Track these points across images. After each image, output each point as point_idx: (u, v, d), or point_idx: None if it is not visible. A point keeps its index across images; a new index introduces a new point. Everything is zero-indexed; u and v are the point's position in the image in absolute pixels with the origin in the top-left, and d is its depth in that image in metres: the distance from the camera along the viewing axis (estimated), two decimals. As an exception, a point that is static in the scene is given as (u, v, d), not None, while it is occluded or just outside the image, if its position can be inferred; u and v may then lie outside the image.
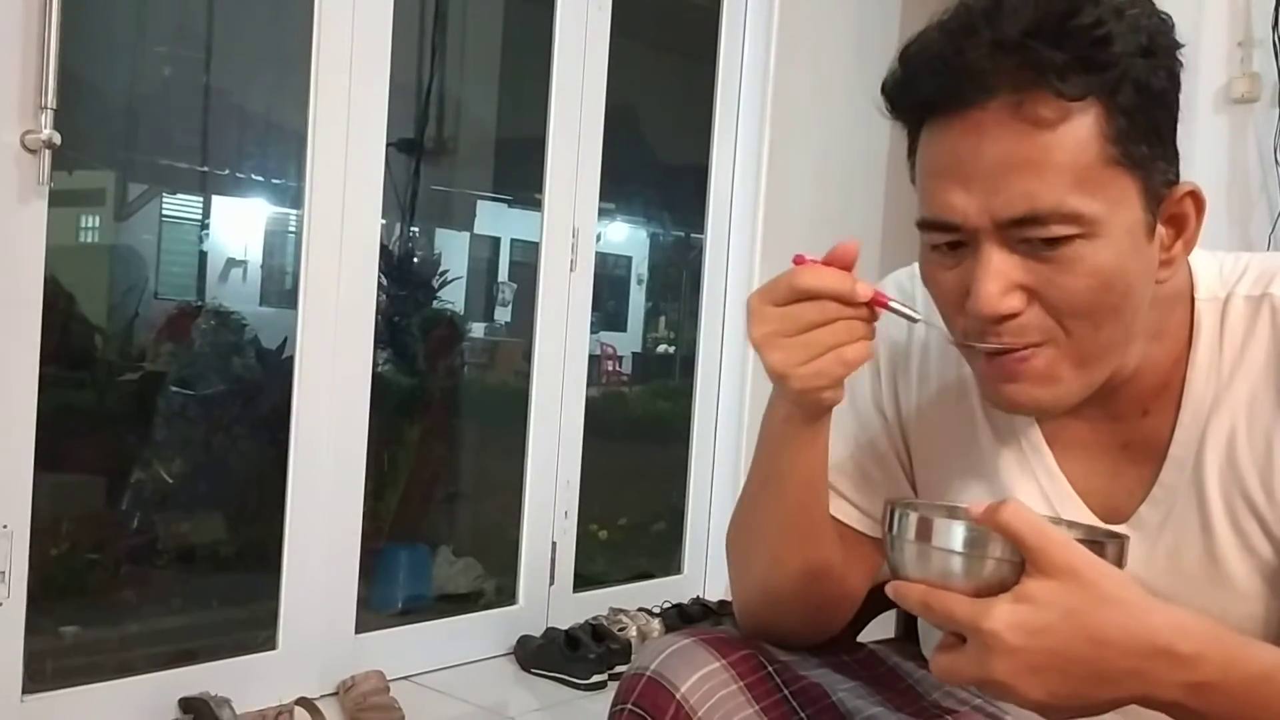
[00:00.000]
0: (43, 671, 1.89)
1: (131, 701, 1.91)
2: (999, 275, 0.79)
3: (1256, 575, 0.85)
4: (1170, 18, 0.81)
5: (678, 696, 0.90)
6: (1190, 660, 0.70)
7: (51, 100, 1.68)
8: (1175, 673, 0.70)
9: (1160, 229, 0.83)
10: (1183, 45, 0.82)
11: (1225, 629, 0.73)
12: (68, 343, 2.24)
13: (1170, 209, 0.83)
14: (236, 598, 2.37)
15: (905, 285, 1.05)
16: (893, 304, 0.84)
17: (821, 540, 0.96)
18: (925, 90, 0.81)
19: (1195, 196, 0.84)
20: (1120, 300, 0.80)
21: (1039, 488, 0.93)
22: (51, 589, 2.06)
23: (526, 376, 2.57)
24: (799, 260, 0.84)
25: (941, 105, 0.80)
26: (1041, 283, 0.79)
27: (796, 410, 0.88)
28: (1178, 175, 0.83)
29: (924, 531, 0.76)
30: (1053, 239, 0.78)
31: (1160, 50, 0.80)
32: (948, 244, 0.83)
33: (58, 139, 1.70)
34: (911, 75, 0.82)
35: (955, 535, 0.75)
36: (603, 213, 2.64)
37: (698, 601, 2.63)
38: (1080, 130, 0.77)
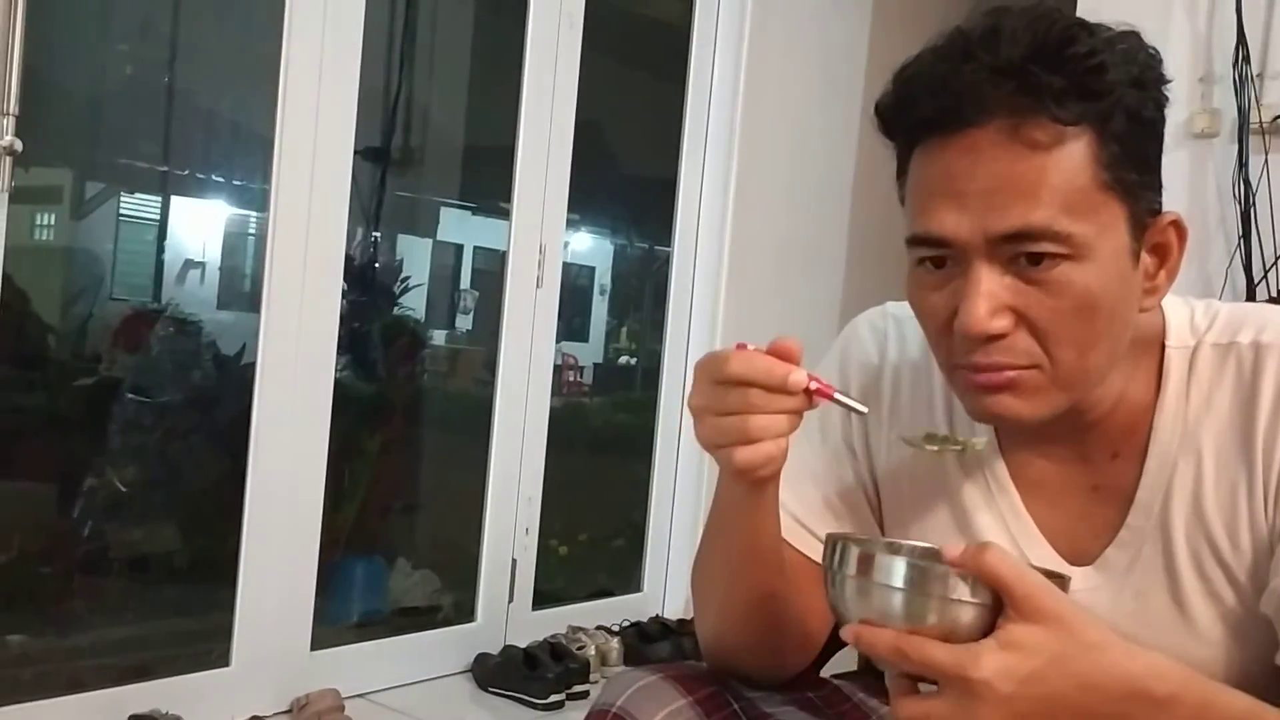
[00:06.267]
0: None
1: (81, 719, 1.87)
2: (988, 295, 0.80)
3: (1219, 622, 0.86)
4: (1159, 52, 0.83)
5: None
6: (1167, 702, 0.72)
7: (14, 106, 1.64)
8: (1153, 715, 0.71)
9: (1145, 257, 0.85)
10: (1170, 80, 0.84)
11: (1198, 674, 0.75)
12: (20, 343, 2.19)
13: (1154, 237, 0.85)
14: (190, 610, 2.32)
15: (879, 324, 1.05)
16: (837, 395, 0.82)
17: (772, 592, 0.94)
18: (923, 110, 0.82)
19: (1177, 226, 0.87)
20: (1105, 326, 0.82)
21: (1005, 527, 0.94)
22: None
23: (487, 385, 2.55)
24: (740, 347, 0.82)
25: (939, 125, 0.81)
26: (1029, 304, 0.81)
27: (731, 479, 0.87)
28: (1161, 205, 0.85)
29: (889, 572, 0.73)
30: (1041, 256, 0.79)
31: (1150, 82, 0.82)
32: (934, 261, 0.84)
33: (19, 146, 1.66)
34: (909, 96, 0.83)
35: (926, 577, 0.73)
36: (568, 223, 2.63)
37: (657, 620, 2.61)
38: (1074, 155, 0.79)
